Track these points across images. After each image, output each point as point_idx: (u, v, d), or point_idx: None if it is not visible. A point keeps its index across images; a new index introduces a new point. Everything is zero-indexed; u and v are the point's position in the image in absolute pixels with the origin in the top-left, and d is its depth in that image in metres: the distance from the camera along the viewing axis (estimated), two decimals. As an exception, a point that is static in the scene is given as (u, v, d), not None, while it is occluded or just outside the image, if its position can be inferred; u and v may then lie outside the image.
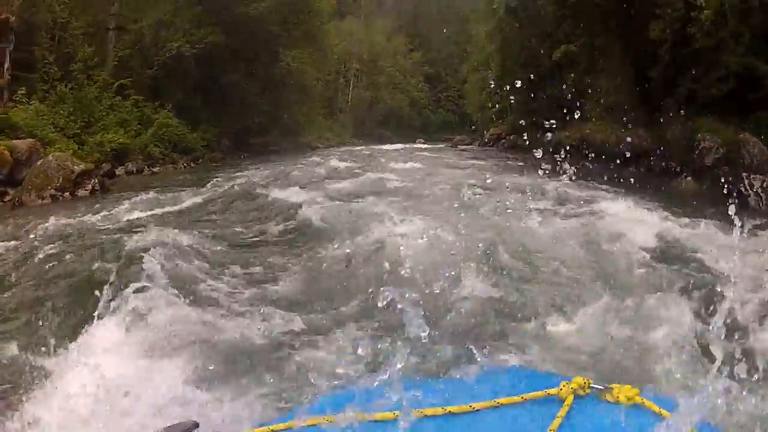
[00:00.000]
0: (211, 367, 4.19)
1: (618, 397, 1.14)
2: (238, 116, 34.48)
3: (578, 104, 30.89)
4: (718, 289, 2.93)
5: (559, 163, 5.49)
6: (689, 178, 14.73)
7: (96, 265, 6.58)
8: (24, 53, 25.85)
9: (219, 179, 16.85)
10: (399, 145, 44.95)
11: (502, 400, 1.15)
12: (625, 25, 22.63)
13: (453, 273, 5.87)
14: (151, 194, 13.09)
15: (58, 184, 15.36)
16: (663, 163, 18.36)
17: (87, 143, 22.01)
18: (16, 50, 25.19)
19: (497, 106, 42.87)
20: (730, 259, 6.32)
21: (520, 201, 11.41)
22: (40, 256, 7.49)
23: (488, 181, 15.98)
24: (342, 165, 22.41)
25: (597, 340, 4.79)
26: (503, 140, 39.60)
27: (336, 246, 7.77)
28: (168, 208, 10.91)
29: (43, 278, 6.64)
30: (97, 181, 15.94)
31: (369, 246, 7.47)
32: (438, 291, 5.17)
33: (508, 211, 9.94)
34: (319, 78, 51.30)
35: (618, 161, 20.65)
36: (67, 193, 15.20)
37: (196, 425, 1.84)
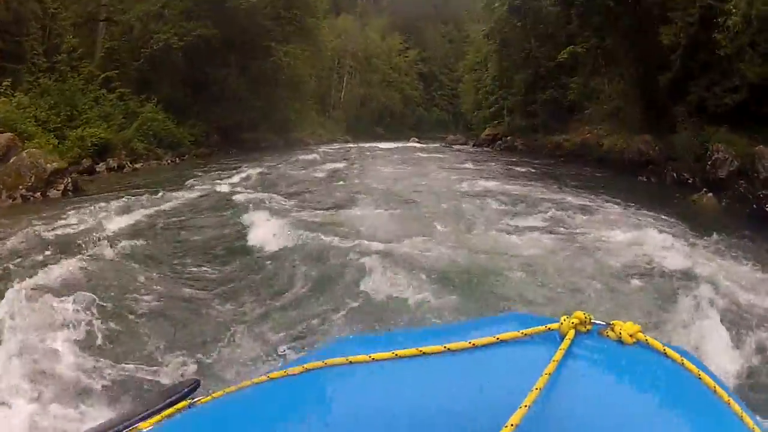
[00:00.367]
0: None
1: (620, 333, 1.08)
2: (228, 111, 33.34)
3: (580, 107, 30.36)
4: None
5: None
6: (710, 194, 13.75)
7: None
8: (12, 44, 25.09)
9: (197, 181, 15.86)
10: (392, 144, 44.30)
11: (502, 336, 1.09)
12: (634, 29, 21.70)
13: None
14: (120, 198, 12.02)
15: (30, 184, 14.32)
16: (675, 174, 17.46)
17: (68, 138, 20.98)
18: (3, 40, 24.37)
19: (494, 106, 42.41)
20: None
21: (522, 216, 10.57)
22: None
23: (483, 187, 15.03)
24: (329, 167, 21.50)
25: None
26: (499, 141, 38.83)
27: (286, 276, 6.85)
28: (125, 220, 9.82)
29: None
30: (69, 180, 14.87)
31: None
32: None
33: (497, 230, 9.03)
34: (312, 74, 50.38)
35: (624, 169, 20.06)
36: (39, 194, 14.15)
37: (197, 383, 1.76)
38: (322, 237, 8.00)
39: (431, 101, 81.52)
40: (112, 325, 5.10)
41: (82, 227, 9.00)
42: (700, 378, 0.99)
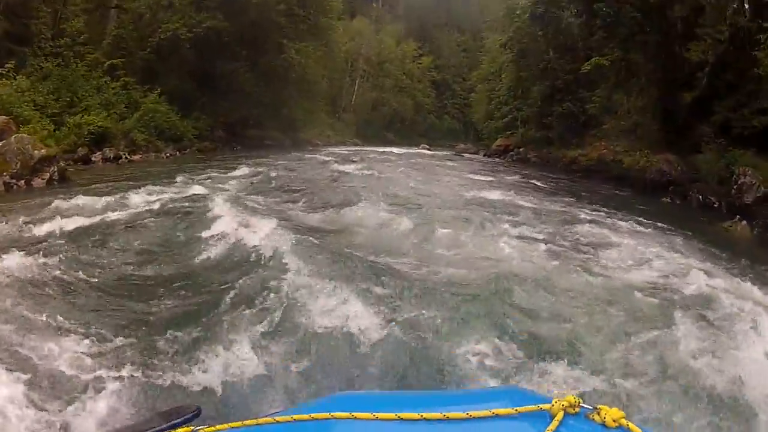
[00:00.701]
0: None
1: (605, 418, 1.17)
2: (234, 106, 32.57)
3: (596, 122, 29.44)
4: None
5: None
6: (743, 222, 12.75)
7: None
8: (20, 26, 24.50)
9: (191, 177, 14.65)
10: (402, 149, 43.26)
11: (497, 410, 1.17)
12: (658, 43, 20.78)
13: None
14: (102, 193, 11.05)
15: (15, 171, 13.44)
16: (700, 197, 16.48)
17: (66, 124, 20.21)
18: (10, 22, 23.76)
19: (507, 117, 41.65)
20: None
21: (545, 233, 9.58)
22: None
23: (501, 199, 14.05)
24: (337, 169, 20.40)
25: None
26: (511, 152, 37.86)
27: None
28: (94, 218, 8.83)
29: None
30: (56, 169, 13.98)
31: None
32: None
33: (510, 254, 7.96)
34: (324, 75, 49.60)
35: (645, 188, 19.10)
36: (23, 182, 13.30)
37: (199, 411, 1.73)
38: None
39: (443, 109, 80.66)
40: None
41: (34, 226, 7.99)
42: None
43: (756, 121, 17.19)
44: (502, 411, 1.16)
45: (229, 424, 1.25)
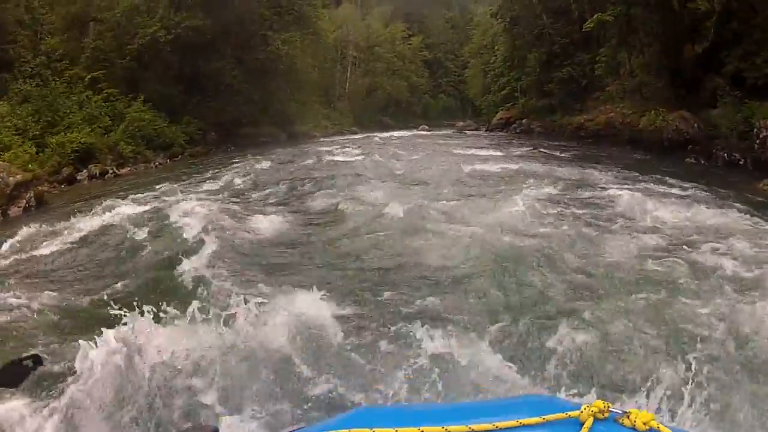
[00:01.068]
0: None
1: (635, 421, 1.16)
2: (224, 106, 31.51)
3: (598, 85, 28.39)
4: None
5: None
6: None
7: None
8: (-1, 52, 24.03)
9: (178, 187, 13.67)
10: (403, 132, 42.25)
11: (525, 420, 1.14)
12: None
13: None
14: (75, 216, 10.19)
15: (-9, 200, 12.58)
16: (725, 155, 15.42)
17: (49, 145, 19.34)
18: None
19: (505, 89, 40.79)
20: None
21: (584, 205, 9.14)
22: None
23: (522, 172, 13.66)
24: (340, 161, 19.40)
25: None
26: (514, 124, 36.89)
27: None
28: (60, 245, 8.47)
29: None
30: (32, 195, 13.08)
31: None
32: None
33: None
34: (315, 65, 48.56)
35: (663, 150, 18.05)
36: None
37: (216, 430, 1.70)
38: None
39: (438, 88, 79.73)
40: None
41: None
42: None
43: (769, 69, 16.22)
44: (529, 421, 1.11)
45: None
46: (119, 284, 6.64)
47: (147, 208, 10.51)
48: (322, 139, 37.22)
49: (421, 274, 6.30)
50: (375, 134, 39.95)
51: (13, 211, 12.48)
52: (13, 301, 5.98)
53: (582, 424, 1.13)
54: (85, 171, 19.22)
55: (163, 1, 29.32)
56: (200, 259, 6.85)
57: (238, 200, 11.74)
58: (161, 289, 6.25)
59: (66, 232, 9.21)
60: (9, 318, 5.60)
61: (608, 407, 1.18)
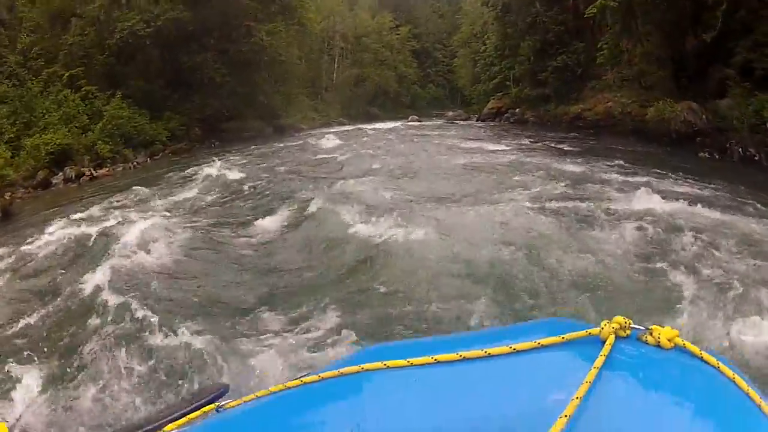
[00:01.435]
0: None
1: (659, 338, 1.08)
2: (207, 100, 30.52)
3: (594, 74, 27.58)
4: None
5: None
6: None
7: None
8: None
9: (153, 191, 13.22)
10: (392, 123, 41.29)
11: (543, 341, 1.08)
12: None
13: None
14: (39, 226, 9.93)
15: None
16: (740, 149, 14.59)
17: (24, 147, 18.41)
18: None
19: (496, 77, 40.05)
20: None
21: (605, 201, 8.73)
22: None
23: (527, 165, 13.44)
24: (325, 156, 18.59)
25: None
26: (506, 114, 36.02)
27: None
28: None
29: None
30: (-1, 206, 12.10)
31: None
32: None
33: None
34: (301, 56, 47.66)
35: (671, 142, 17.22)
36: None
37: (226, 388, 1.65)
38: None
39: (426, 78, 79.18)
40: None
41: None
42: (735, 382, 0.98)
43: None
44: (548, 341, 1.05)
45: (255, 394, 1.14)
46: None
47: (98, 228, 9.55)
48: (309, 132, 36.22)
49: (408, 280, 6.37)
50: (364, 126, 39.06)
51: (-24, 223, 11.56)
52: None
53: (603, 342, 1.04)
54: (60, 174, 18.22)
55: (141, -6, 28.22)
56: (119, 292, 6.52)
57: (200, 217, 10.77)
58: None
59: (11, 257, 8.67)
60: None
61: (629, 324, 1.07)
